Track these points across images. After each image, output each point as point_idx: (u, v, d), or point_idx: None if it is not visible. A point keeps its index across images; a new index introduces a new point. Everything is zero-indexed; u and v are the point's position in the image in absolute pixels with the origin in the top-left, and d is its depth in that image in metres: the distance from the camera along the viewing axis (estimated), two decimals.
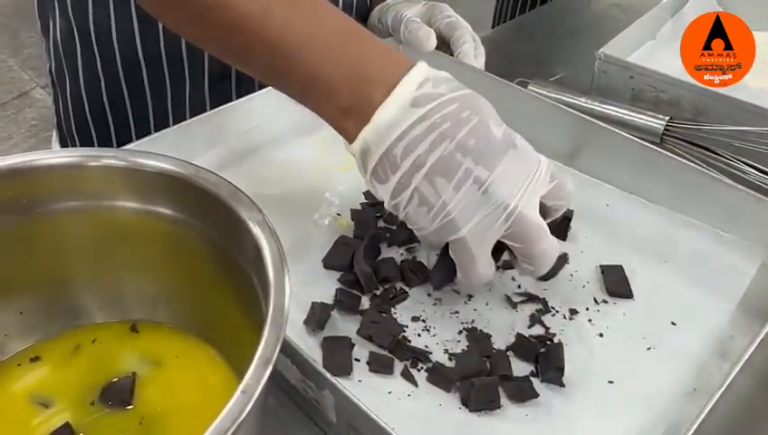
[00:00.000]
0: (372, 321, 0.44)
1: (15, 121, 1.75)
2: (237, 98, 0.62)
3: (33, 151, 0.34)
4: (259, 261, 0.32)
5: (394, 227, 0.51)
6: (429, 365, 0.42)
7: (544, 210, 0.39)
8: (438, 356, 0.43)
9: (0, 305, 0.39)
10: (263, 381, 0.26)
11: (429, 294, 0.47)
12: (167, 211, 0.36)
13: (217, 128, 0.58)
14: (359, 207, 0.53)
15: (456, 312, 0.46)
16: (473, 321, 0.45)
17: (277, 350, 0.28)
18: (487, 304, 0.46)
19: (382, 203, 0.52)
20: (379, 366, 0.42)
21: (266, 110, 0.61)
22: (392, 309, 0.45)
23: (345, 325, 0.44)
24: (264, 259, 0.32)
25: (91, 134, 0.69)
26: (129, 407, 0.38)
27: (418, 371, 0.42)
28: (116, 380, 0.39)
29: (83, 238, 0.37)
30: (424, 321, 0.45)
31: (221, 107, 0.59)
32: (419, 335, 0.44)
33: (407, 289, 0.47)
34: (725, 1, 0.78)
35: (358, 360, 0.42)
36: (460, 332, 0.44)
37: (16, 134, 1.71)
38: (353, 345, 0.43)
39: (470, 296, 0.46)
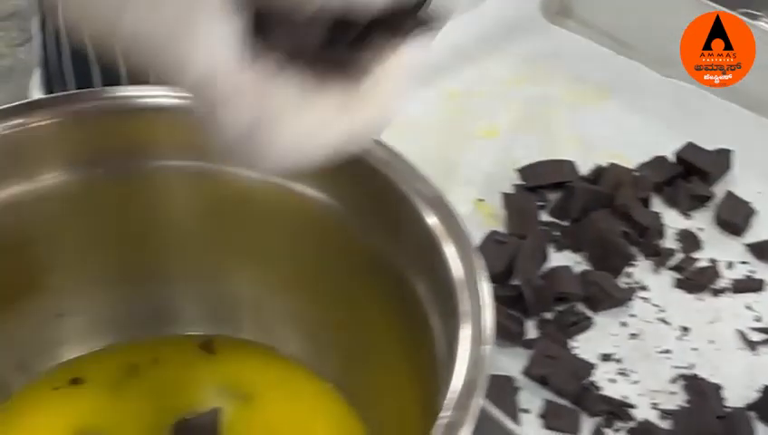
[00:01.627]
0: (547, 356, 0.45)
1: None
2: None
3: (136, 86, 0.36)
4: (433, 259, 0.34)
5: (566, 223, 0.53)
6: (633, 425, 0.43)
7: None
8: (644, 412, 0.44)
9: (32, 304, 0.41)
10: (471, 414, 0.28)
11: (624, 324, 0.48)
12: (304, 187, 0.38)
13: None
14: (511, 191, 0.54)
15: (667, 351, 0.47)
16: (692, 365, 0.46)
17: (483, 383, 0.29)
18: (712, 341, 0.47)
19: (545, 187, 0.55)
20: (560, 421, 0.43)
21: None
22: (570, 341, 0.47)
23: (505, 359, 0.45)
24: (441, 257, 0.33)
25: (90, 75, 0.71)
26: None
27: (616, 431, 0.43)
28: (193, 417, 0.41)
29: (182, 214, 0.39)
30: (619, 361, 0.46)
31: None
32: (614, 381, 0.45)
33: (590, 314, 0.48)
34: None
35: (526, 410, 0.44)
36: (674, 379, 0.45)
37: None
38: (517, 389, 0.44)
39: (685, 329, 0.48)
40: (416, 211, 0.35)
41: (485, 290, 0.32)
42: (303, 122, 0.26)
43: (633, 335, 0.47)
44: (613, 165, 0.55)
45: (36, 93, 0.78)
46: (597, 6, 0.67)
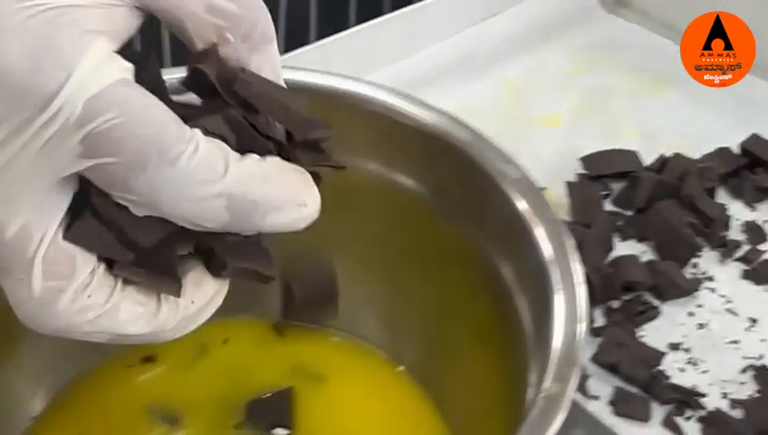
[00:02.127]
0: (617, 343, 0.46)
1: None
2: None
3: None
4: (521, 240, 0.36)
5: (630, 213, 0.54)
6: (703, 413, 0.45)
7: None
8: (715, 401, 0.45)
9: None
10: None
11: (691, 314, 0.49)
12: (389, 172, 0.39)
13: (355, 53, 0.61)
14: (573, 179, 0.56)
15: (735, 341, 0.48)
16: (761, 356, 0.47)
17: (580, 359, 0.31)
18: None
19: (609, 176, 0.56)
20: (630, 408, 0.44)
21: (423, 28, 0.64)
22: (637, 330, 0.48)
23: None
24: (531, 238, 0.35)
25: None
26: (285, 432, 0.42)
27: (686, 420, 0.45)
28: (267, 395, 0.42)
29: None
30: (687, 350, 0.48)
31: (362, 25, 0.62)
32: (682, 370, 0.47)
33: (657, 303, 0.50)
34: None
35: (596, 397, 0.45)
36: (744, 370, 0.47)
37: None
38: (587, 376, 0.46)
39: (753, 321, 0.49)
40: (503, 193, 0.37)
41: (578, 269, 0.34)
42: (96, 308, 0.27)
43: (701, 325, 0.49)
44: (678, 155, 0.56)
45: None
46: None
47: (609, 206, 0.55)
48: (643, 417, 0.44)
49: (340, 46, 0.61)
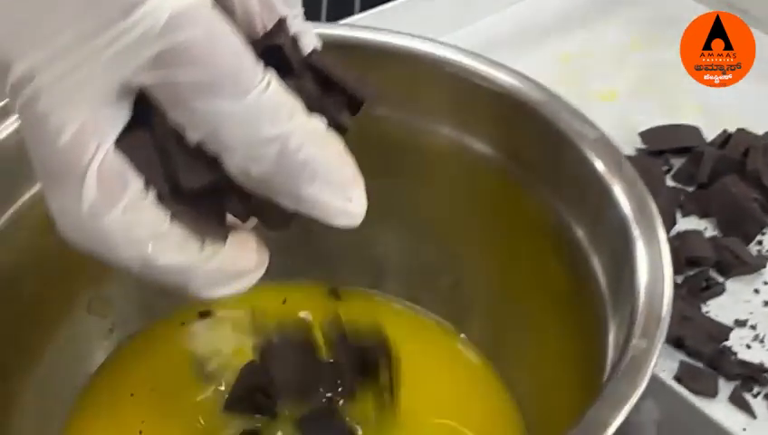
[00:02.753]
0: (682, 317, 0.46)
1: None
2: None
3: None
4: (599, 200, 0.35)
5: (690, 189, 0.54)
6: None
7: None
8: None
9: None
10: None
11: (757, 290, 0.49)
12: (480, 144, 0.40)
13: (405, 25, 0.61)
14: (633, 153, 0.56)
15: None
16: None
17: (667, 316, 0.31)
18: None
19: (670, 151, 0.56)
20: (696, 383, 0.44)
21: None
22: (703, 306, 0.48)
23: None
24: (610, 197, 0.35)
25: None
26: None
27: (754, 396, 0.45)
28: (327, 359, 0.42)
29: None
30: (753, 327, 0.47)
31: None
32: (748, 347, 0.47)
33: (720, 279, 0.50)
34: None
35: (661, 371, 0.45)
36: None
37: None
38: None
39: None
40: (580, 153, 0.37)
41: (659, 226, 0.34)
42: (142, 227, 0.27)
43: (766, 303, 0.49)
44: (741, 130, 0.56)
45: None
46: None
47: (669, 181, 0.55)
48: (711, 392, 0.44)
49: (388, 17, 0.61)
